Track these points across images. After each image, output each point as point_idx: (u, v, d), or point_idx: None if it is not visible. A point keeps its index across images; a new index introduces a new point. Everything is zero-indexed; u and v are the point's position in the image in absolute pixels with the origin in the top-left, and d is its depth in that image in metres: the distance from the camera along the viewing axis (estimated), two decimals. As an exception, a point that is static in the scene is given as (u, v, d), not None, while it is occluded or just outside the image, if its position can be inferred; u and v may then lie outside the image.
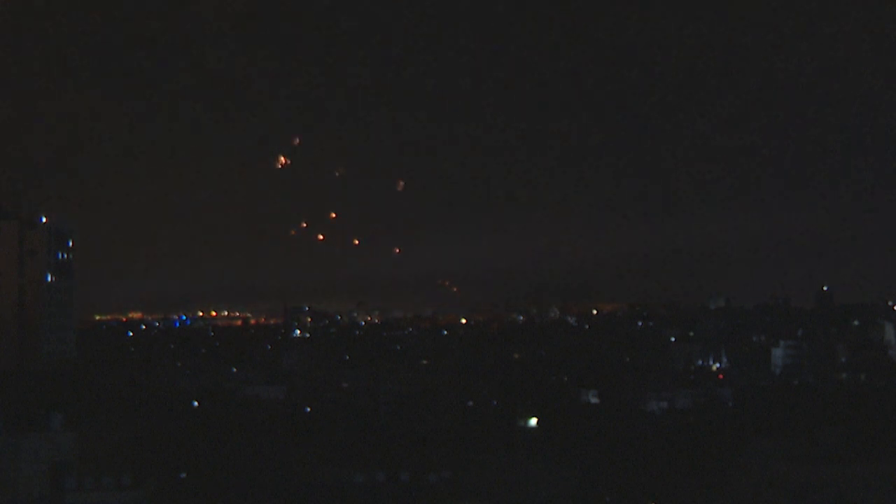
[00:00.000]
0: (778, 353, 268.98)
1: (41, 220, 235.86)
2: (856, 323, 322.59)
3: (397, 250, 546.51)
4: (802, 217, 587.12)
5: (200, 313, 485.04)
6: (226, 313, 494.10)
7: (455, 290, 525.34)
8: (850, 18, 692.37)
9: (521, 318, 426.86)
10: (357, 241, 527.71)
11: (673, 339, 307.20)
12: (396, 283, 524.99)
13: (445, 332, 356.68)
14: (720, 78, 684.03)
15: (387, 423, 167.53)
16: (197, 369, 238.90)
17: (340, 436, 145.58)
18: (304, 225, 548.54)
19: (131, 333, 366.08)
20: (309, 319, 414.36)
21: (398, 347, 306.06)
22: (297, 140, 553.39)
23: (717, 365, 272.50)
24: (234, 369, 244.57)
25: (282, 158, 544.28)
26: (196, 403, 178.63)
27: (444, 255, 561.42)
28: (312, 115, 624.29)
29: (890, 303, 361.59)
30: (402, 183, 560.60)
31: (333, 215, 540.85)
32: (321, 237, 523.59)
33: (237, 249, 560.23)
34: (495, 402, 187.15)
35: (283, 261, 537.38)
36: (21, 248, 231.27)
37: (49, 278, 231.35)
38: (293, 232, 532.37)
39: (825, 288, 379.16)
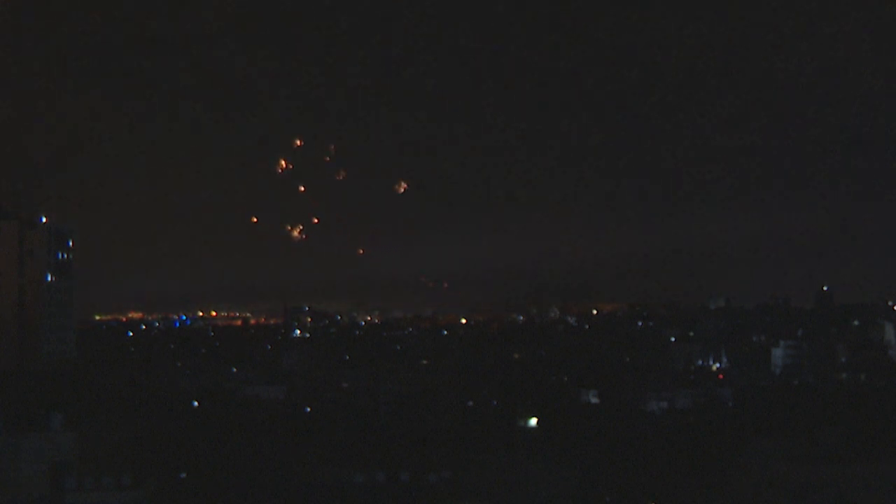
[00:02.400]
0: (778, 353, 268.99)
1: (41, 220, 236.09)
2: (856, 323, 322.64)
3: (361, 251, 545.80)
4: (802, 217, 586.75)
5: (200, 313, 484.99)
6: (226, 313, 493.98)
7: (445, 286, 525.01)
8: (850, 18, 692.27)
9: (521, 318, 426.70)
10: (317, 220, 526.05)
11: (673, 339, 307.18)
12: (396, 283, 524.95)
13: (445, 332, 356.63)
14: (720, 78, 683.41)
15: (387, 423, 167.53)
16: (197, 369, 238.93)
17: (340, 436, 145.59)
18: (255, 220, 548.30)
19: (131, 333, 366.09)
20: (309, 319, 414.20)
21: (398, 347, 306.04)
22: (299, 142, 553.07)
23: (717, 365, 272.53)
24: (234, 369, 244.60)
25: (283, 162, 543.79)
26: (196, 403, 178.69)
27: (444, 255, 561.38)
28: (312, 116, 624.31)
29: (890, 303, 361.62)
30: (404, 185, 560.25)
31: (302, 189, 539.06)
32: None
33: (237, 249, 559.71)
34: (495, 402, 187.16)
35: (283, 261, 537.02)
36: (21, 248, 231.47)
37: (49, 278, 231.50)
38: (254, 219, 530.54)
39: (825, 288, 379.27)
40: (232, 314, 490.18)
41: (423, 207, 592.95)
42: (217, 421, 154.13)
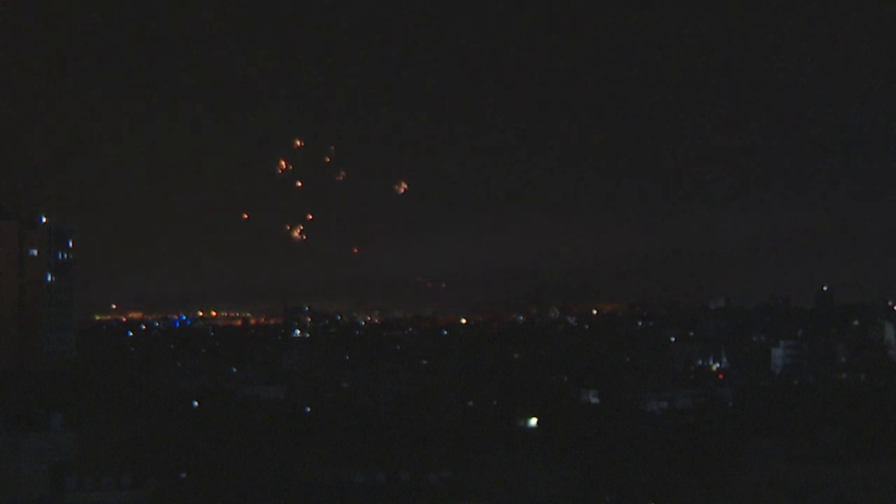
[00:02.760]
0: (778, 353, 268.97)
1: (41, 220, 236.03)
2: (856, 323, 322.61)
3: (355, 250, 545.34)
4: (802, 217, 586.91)
5: (200, 313, 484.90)
6: (226, 313, 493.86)
7: (444, 286, 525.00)
8: (850, 18, 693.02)
9: (521, 318, 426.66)
10: (311, 216, 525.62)
11: (673, 339, 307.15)
12: (396, 283, 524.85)
13: (445, 332, 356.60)
14: (720, 78, 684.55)
15: (387, 423, 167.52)
16: (197, 369, 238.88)
17: (340, 436, 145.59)
18: (246, 216, 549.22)
19: (131, 333, 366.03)
20: (309, 319, 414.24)
21: (398, 347, 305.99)
22: (299, 142, 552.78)
23: (717, 365, 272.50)
24: (234, 369, 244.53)
25: (283, 163, 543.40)
26: (196, 403, 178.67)
27: (444, 255, 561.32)
28: (312, 116, 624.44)
29: (890, 303, 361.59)
30: (404, 185, 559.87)
31: (299, 184, 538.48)
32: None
33: (237, 249, 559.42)
34: (495, 402, 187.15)
35: (283, 261, 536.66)
36: (21, 248, 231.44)
37: (49, 278, 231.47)
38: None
39: (825, 288, 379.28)
40: (232, 314, 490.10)
41: (423, 207, 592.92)
42: (217, 421, 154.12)
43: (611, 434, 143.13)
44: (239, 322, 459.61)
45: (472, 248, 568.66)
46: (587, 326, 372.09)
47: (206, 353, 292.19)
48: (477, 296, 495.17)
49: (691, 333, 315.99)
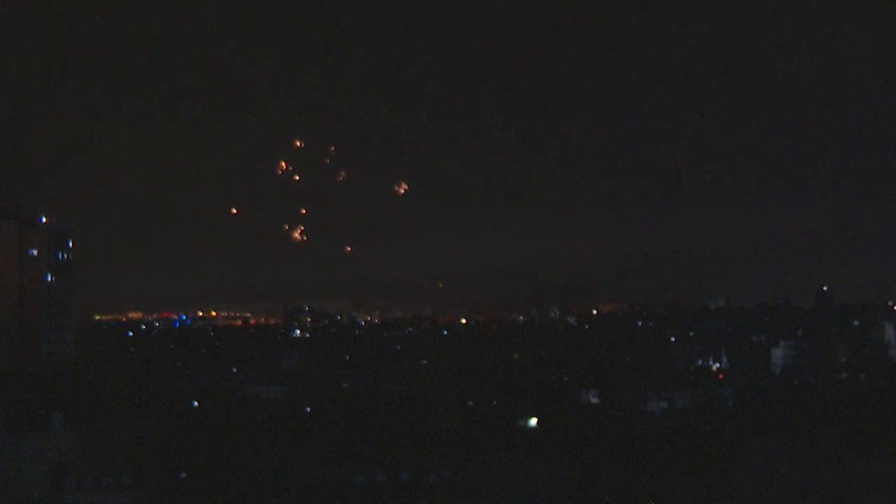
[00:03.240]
0: (778, 353, 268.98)
1: (41, 220, 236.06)
2: (856, 323, 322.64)
3: (349, 248, 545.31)
4: (802, 217, 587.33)
5: (200, 313, 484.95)
6: (226, 313, 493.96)
7: (441, 286, 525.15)
8: (850, 18, 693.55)
9: (521, 318, 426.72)
10: (304, 211, 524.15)
11: (673, 339, 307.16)
12: (396, 283, 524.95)
13: (445, 332, 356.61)
14: (720, 78, 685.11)
15: (387, 423, 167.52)
16: (197, 369, 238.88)
17: (340, 436, 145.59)
18: (234, 211, 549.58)
19: (131, 333, 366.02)
20: (309, 319, 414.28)
21: (398, 347, 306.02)
22: (299, 142, 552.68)
23: (717, 365, 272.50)
24: (234, 369, 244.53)
25: (283, 164, 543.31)
26: (196, 403, 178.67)
27: (444, 255, 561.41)
28: (312, 116, 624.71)
29: (890, 303, 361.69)
30: (404, 185, 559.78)
31: (297, 178, 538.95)
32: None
33: (237, 249, 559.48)
34: (495, 402, 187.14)
35: (283, 261, 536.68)
36: (21, 248, 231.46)
37: (49, 278, 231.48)
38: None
39: (825, 288, 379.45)
40: (232, 314, 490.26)
41: (423, 207, 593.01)
42: (217, 421, 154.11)
43: (611, 434, 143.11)
44: (239, 322, 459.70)
45: (472, 248, 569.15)
46: (587, 326, 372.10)
47: (206, 353, 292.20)
48: (477, 296, 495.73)
49: (691, 333, 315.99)
